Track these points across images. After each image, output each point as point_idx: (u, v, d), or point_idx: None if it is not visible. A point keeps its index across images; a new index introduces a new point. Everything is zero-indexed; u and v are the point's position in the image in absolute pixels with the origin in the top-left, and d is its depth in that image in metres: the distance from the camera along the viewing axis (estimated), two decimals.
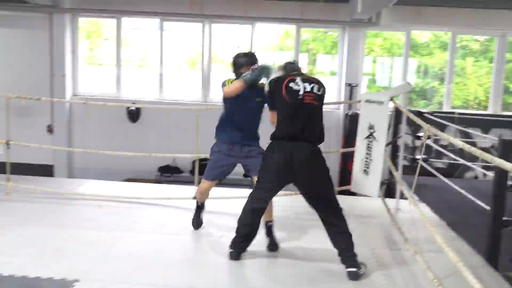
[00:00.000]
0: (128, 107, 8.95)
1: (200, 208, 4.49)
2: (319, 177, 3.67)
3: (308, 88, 3.61)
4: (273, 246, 4.11)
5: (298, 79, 3.63)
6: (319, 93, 3.69)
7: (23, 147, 5.97)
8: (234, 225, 3.83)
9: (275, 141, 3.63)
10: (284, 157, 3.54)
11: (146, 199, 5.37)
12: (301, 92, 3.58)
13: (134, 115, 9.34)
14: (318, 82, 3.71)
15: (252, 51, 4.19)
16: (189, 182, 8.02)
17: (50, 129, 9.49)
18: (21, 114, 8.22)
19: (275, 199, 3.92)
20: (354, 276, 3.55)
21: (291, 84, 3.59)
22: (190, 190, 5.48)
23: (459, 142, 2.88)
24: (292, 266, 3.80)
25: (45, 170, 9.19)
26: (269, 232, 4.15)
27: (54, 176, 9.24)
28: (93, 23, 10.32)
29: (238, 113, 4.04)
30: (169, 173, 9.21)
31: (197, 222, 4.48)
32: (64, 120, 9.49)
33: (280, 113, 3.63)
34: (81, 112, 9.21)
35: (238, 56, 4.06)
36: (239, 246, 3.80)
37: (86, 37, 10.26)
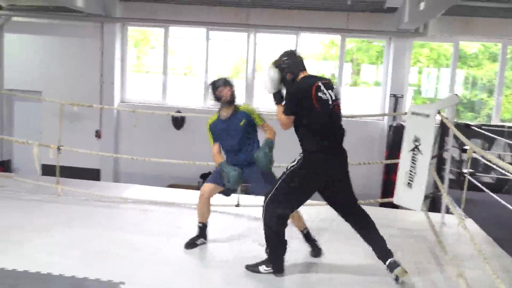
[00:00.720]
0: (172, 115, 9.13)
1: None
2: (348, 183, 3.80)
3: (333, 96, 3.57)
4: (317, 250, 4.12)
5: (322, 86, 3.53)
6: (339, 98, 3.66)
7: (72, 152, 6.17)
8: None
9: (315, 155, 3.56)
10: (327, 172, 3.59)
11: (189, 205, 5.46)
12: (330, 102, 3.53)
13: (178, 122, 9.52)
14: (333, 86, 3.65)
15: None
16: (230, 189, 8.09)
17: (98, 135, 9.80)
18: (72, 119, 8.55)
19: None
20: (393, 265, 3.62)
21: (320, 94, 3.50)
22: (233, 198, 5.53)
23: (503, 163, 2.78)
24: (331, 278, 3.78)
25: (93, 174, 9.48)
26: (308, 238, 4.15)
27: (100, 180, 9.52)
28: (141, 32, 10.61)
29: (227, 145, 4.30)
30: None
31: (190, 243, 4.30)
32: (112, 126, 9.78)
33: (313, 124, 3.53)
34: (128, 118, 9.47)
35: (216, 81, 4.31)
36: (276, 260, 3.72)
37: (134, 46, 10.55)
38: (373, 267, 3.85)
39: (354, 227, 3.83)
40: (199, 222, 4.35)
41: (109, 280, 3.45)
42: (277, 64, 3.69)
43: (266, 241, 3.71)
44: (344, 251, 4.38)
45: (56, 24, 9.67)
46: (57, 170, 5.76)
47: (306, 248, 4.17)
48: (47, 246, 4.05)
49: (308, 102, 3.48)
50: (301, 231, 4.17)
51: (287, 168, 3.62)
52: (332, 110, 3.54)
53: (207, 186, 4.31)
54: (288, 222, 3.70)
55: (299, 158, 3.59)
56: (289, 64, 3.68)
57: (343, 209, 3.83)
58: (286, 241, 3.71)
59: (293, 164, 3.60)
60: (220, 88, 4.22)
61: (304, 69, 3.69)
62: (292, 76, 3.63)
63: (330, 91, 3.54)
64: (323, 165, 3.57)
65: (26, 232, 4.33)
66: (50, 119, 4.95)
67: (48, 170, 8.07)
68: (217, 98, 4.24)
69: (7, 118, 10.15)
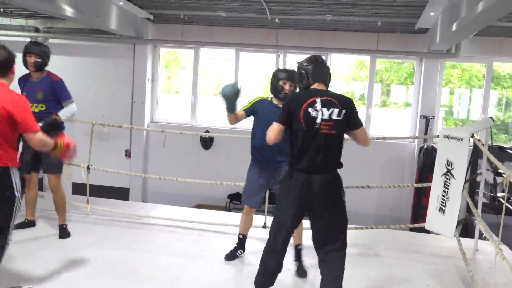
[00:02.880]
0: (201, 135, 9.19)
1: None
2: (335, 216, 3.33)
3: (326, 115, 3.18)
4: (302, 272, 4.06)
5: (318, 102, 3.19)
6: (339, 118, 3.21)
7: (102, 172, 6.25)
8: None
9: (294, 172, 3.26)
10: (301, 192, 3.22)
11: (217, 225, 5.44)
12: (318, 121, 3.17)
13: (207, 142, 9.58)
14: (340, 104, 3.24)
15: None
16: (259, 210, 8.05)
17: (128, 154, 9.93)
18: (102, 138, 8.66)
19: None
20: None
21: (309, 109, 3.17)
22: (260, 219, 5.50)
23: None
24: None
25: (122, 193, 9.59)
26: (298, 256, 4.09)
27: (129, 199, 9.61)
28: (172, 53, 10.78)
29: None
30: (238, 201, 9.29)
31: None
32: (141, 145, 9.90)
33: (296, 141, 3.24)
34: (157, 138, 9.57)
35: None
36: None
37: (165, 66, 10.72)
38: None
39: (322, 276, 3.36)
40: (239, 234, 4.47)
41: None
42: (298, 66, 3.50)
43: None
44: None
45: (91, 45, 9.92)
46: (87, 189, 5.84)
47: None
48: (74, 266, 4.08)
49: (296, 116, 3.20)
50: (295, 245, 4.12)
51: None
52: (318, 130, 3.18)
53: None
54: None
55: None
56: (307, 70, 3.40)
57: (320, 247, 3.33)
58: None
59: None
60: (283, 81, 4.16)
61: (322, 81, 3.38)
62: (304, 84, 3.39)
63: (326, 109, 3.18)
64: (299, 184, 3.21)
65: (55, 252, 4.38)
66: (82, 139, 5.04)
67: (79, 188, 8.19)
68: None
69: None
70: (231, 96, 3.92)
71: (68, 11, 6.89)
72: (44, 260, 4.17)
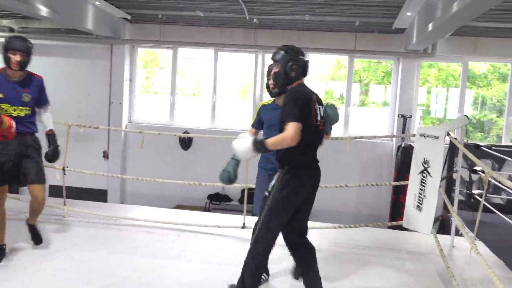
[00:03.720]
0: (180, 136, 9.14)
1: None
2: (311, 207, 3.43)
3: (321, 112, 3.31)
4: (296, 272, 4.01)
5: (315, 99, 3.28)
6: (323, 115, 3.35)
7: (80, 173, 6.16)
8: (284, 255, 3.77)
9: (300, 170, 3.24)
10: (307, 187, 3.27)
11: (196, 226, 5.41)
12: (318, 118, 3.27)
13: (186, 143, 9.53)
14: (321, 102, 3.37)
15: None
16: (238, 210, 8.05)
17: (105, 155, 9.82)
18: (79, 140, 8.56)
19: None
20: None
21: (316, 106, 3.25)
22: (239, 219, 5.49)
23: None
24: None
25: (100, 195, 9.48)
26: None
27: (107, 200, 9.50)
28: (150, 53, 10.70)
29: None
30: (218, 201, 9.27)
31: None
32: (119, 146, 9.80)
33: (305, 137, 3.13)
34: (136, 139, 9.48)
35: None
36: None
37: (143, 67, 10.63)
38: None
39: (298, 261, 3.43)
40: None
41: None
42: (288, 55, 3.25)
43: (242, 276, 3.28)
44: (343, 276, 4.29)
45: (67, 45, 9.78)
46: (64, 191, 5.75)
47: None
48: (51, 270, 4.01)
49: (307, 112, 3.18)
50: None
51: (268, 192, 3.25)
52: (318, 126, 3.27)
53: None
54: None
55: (279, 175, 3.23)
56: (300, 62, 3.26)
57: (296, 235, 3.38)
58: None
59: (274, 184, 3.24)
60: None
61: (304, 76, 3.33)
62: (294, 77, 3.24)
63: (320, 106, 3.31)
64: (306, 180, 3.26)
65: (30, 255, 4.30)
66: (58, 140, 4.94)
67: (55, 191, 8.08)
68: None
69: None
70: (227, 182, 3.75)
71: (43, 10, 6.79)
72: (19, 264, 4.08)
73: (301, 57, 3.29)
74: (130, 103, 10.03)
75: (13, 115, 3.90)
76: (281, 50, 3.29)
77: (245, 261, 3.25)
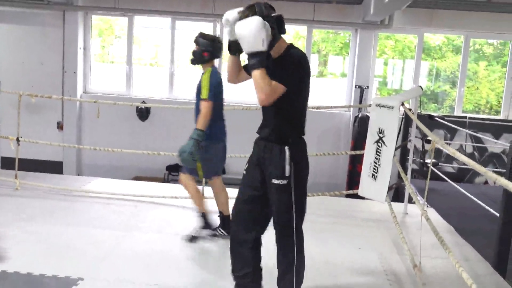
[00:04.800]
0: (137, 106, 8.98)
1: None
2: None
3: None
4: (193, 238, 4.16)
5: None
6: None
7: (33, 144, 5.99)
8: None
9: (303, 143, 3.02)
10: None
11: (153, 197, 5.38)
12: None
13: (143, 113, 9.37)
14: None
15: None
16: (196, 181, 8.02)
17: (60, 126, 9.55)
18: (31, 110, 8.29)
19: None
20: None
21: None
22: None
23: (464, 158, 2.79)
24: None
25: (55, 167, 9.25)
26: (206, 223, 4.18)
27: (63, 173, 9.30)
28: (105, 21, 10.36)
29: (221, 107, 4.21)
30: (176, 172, 9.21)
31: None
32: (74, 117, 9.54)
33: (304, 107, 2.99)
34: (91, 109, 9.25)
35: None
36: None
37: (98, 35, 10.31)
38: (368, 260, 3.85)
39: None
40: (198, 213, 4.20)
41: (67, 277, 3.36)
42: (263, 15, 2.81)
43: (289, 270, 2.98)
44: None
45: (16, 11, 9.34)
46: (16, 163, 5.58)
47: None
48: (2, 243, 3.91)
49: (307, 77, 2.89)
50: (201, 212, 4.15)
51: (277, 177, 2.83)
52: None
53: (183, 176, 4.16)
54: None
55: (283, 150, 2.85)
56: (277, 21, 2.86)
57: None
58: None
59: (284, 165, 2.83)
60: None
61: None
62: (273, 38, 2.81)
63: None
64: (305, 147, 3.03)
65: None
66: (9, 110, 4.73)
67: (7, 163, 7.84)
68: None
69: None
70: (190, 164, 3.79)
71: None
72: None
73: (274, 14, 2.90)
74: (85, 73, 9.73)
75: None
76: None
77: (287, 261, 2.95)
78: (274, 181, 2.82)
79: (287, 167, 2.81)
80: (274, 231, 3.01)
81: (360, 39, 9.18)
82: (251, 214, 2.98)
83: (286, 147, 2.83)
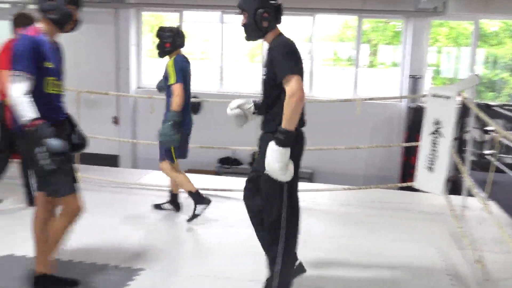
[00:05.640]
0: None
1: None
2: None
3: None
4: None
5: None
6: None
7: (91, 138, 6.18)
8: None
9: (300, 129, 2.86)
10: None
11: (207, 190, 5.45)
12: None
13: (195, 107, 9.47)
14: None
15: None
16: (248, 174, 8.08)
17: (115, 121, 9.84)
18: (88, 106, 8.56)
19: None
20: None
21: None
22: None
23: None
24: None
25: (111, 160, 9.55)
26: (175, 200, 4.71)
27: (119, 166, 9.58)
28: (156, 16, 10.56)
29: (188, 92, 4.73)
30: (228, 165, 9.31)
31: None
32: (129, 111, 9.80)
33: None
34: (145, 104, 9.46)
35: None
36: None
37: (149, 31, 10.51)
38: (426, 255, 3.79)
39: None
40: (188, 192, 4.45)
41: (128, 267, 3.47)
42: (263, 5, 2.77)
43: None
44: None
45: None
46: (77, 157, 5.79)
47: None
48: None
49: (302, 64, 2.80)
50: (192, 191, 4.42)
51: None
52: None
53: (163, 163, 4.52)
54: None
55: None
56: (275, 10, 2.81)
57: None
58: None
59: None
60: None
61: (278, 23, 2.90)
62: (268, 27, 2.81)
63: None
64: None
65: None
66: (68, 107, 4.95)
67: None
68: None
69: None
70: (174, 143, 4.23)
71: None
72: None
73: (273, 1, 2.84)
74: (138, 68, 9.97)
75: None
76: None
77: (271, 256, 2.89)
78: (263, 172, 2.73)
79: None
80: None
81: (412, 28, 8.94)
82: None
83: None
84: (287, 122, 2.60)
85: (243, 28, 2.88)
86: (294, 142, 2.68)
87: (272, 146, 2.60)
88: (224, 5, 9.30)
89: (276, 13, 2.82)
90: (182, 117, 4.35)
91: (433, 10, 8.66)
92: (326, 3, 8.98)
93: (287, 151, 2.59)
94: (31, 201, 4.70)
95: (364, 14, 9.12)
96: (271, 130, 2.77)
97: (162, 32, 4.42)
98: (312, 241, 4.09)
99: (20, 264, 3.46)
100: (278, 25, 2.89)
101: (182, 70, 4.39)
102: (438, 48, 9.90)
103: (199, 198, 4.39)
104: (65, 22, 3.00)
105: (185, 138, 4.58)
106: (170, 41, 4.41)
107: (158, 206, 4.80)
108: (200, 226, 4.43)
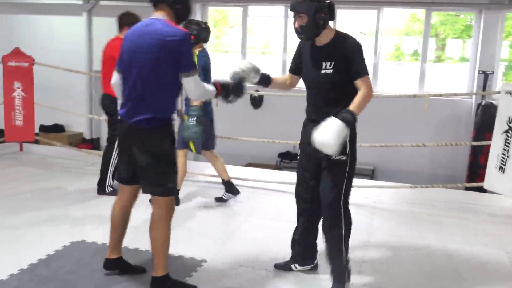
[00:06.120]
0: (251, 94, 9.17)
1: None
2: None
3: None
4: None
5: None
6: None
7: None
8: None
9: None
10: None
11: (268, 183, 5.49)
12: None
13: (257, 101, 9.55)
14: None
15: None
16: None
17: (179, 114, 10.05)
18: None
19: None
20: None
21: None
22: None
23: None
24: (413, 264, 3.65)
25: None
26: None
27: None
28: (220, 11, 10.68)
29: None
30: (289, 160, 9.30)
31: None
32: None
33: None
34: None
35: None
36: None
37: (213, 25, 10.67)
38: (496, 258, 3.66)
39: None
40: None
41: (191, 257, 3.55)
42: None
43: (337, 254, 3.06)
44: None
45: (141, 6, 9.91)
46: None
47: None
48: (132, 223, 4.22)
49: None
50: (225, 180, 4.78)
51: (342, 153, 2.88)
52: None
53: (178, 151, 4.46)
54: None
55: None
56: (329, 7, 2.93)
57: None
58: None
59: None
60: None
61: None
62: (324, 25, 2.93)
63: None
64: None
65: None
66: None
67: None
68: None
69: (96, 98, 10.66)
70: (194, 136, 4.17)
71: None
72: (102, 215, 4.33)
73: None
74: None
75: None
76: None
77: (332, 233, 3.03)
78: (335, 156, 2.90)
79: (348, 145, 2.93)
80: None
81: (485, 21, 8.55)
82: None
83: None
84: (357, 108, 2.80)
85: (299, 29, 2.97)
86: (354, 127, 2.91)
87: (335, 121, 2.71)
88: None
89: (330, 11, 2.93)
90: (204, 112, 4.36)
91: (509, 2, 8.23)
92: None
93: (347, 131, 2.73)
94: (101, 189, 4.95)
95: (433, 7, 8.81)
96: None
97: (189, 24, 4.45)
98: (376, 239, 4.02)
99: (90, 250, 3.63)
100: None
101: (205, 66, 4.46)
102: (510, 42, 9.41)
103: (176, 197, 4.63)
104: (187, 15, 3.07)
105: (208, 129, 4.63)
106: (195, 33, 4.45)
107: (220, 199, 4.87)
108: (259, 219, 4.47)
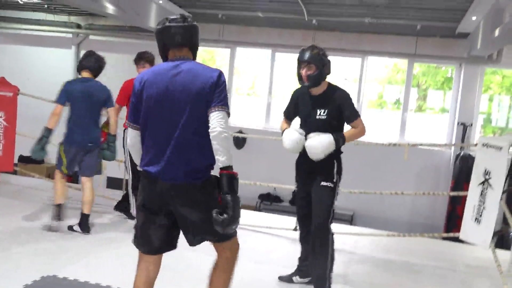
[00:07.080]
0: (234, 135, 9.23)
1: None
2: None
3: None
4: None
5: None
6: None
7: None
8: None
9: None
10: None
11: (247, 225, 5.46)
12: None
13: (240, 142, 9.61)
14: None
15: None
16: (288, 212, 8.05)
17: None
18: None
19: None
20: None
21: None
22: (291, 221, 5.49)
23: None
24: None
25: None
26: None
27: None
28: (208, 51, 10.85)
29: None
30: (269, 202, 9.30)
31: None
32: None
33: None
34: None
35: None
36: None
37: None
38: None
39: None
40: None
41: None
42: (320, 55, 3.67)
43: (324, 270, 3.57)
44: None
45: (130, 42, 10.06)
46: (123, 184, 5.95)
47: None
48: (108, 259, 4.16)
49: None
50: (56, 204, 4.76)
51: (326, 180, 3.57)
52: None
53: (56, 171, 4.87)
54: None
55: (333, 163, 3.61)
56: (329, 62, 3.73)
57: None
58: None
59: (330, 171, 3.60)
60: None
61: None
62: (324, 75, 3.65)
63: None
64: None
65: (91, 246, 4.47)
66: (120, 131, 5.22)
67: (111, 183, 8.37)
68: None
69: None
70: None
71: (110, 8, 7.03)
72: (77, 251, 4.26)
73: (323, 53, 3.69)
74: None
75: None
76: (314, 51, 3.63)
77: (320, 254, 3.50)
78: (323, 183, 3.54)
79: (335, 175, 3.58)
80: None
81: (464, 74, 8.83)
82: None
83: (335, 160, 3.60)
84: (348, 137, 3.56)
85: (309, 77, 3.54)
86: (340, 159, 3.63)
87: (328, 136, 3.46)
88: (276, 44, 9.49)
89: (330, 67, 3.65)
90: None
91: (488, 58, 8.53)
92: (378, 46, 9.01)
93: (332, 149, 3.47)
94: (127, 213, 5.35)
95: (416, 58, 9.08)
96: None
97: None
98: (351, 286, 4.00)
99: (61, 286, 3.55)
100: None
101: (67, 91, 4.86)
102: (489, 96, 9.69)
103: (58, 213, 4.69)
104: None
105: (72, 154, 4.79)
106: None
107: (71, 228, 4.74)
108: (241, 263, 4.41)
